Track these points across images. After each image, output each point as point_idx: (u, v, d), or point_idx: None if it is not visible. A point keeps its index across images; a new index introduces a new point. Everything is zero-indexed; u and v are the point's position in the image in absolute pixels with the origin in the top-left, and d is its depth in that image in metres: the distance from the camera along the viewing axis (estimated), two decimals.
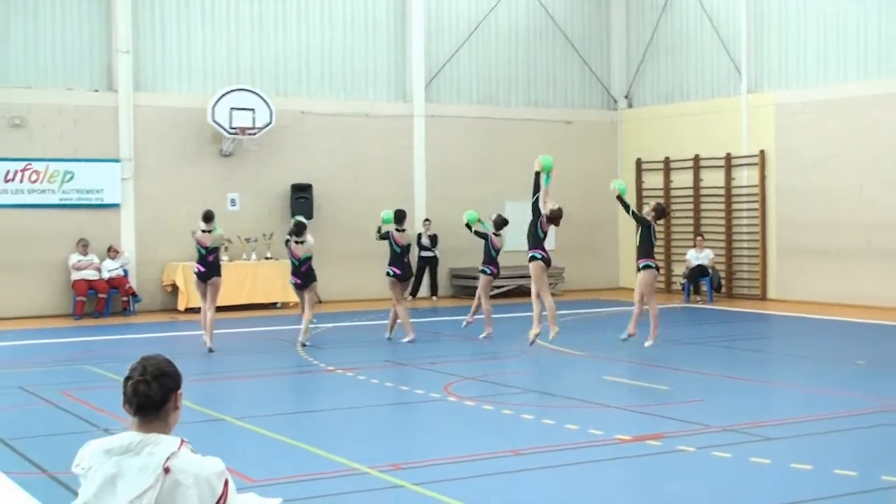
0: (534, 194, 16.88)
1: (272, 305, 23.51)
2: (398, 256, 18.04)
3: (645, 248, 17.00)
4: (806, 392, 13.41)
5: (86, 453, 4.20)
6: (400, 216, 18.27)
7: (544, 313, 16.55)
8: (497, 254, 18.63)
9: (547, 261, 16.62)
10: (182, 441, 4.15)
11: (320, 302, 23.46)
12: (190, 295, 22.27)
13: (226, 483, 4.15)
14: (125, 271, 22.76)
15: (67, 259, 22.32)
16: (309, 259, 17.73)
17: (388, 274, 18.06)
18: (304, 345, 17.52)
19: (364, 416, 12.35)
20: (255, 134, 23.61)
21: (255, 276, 23.33)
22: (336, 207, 25.05)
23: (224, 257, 17.85)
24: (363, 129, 25.62)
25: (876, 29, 23.15)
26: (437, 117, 26.48)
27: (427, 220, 25.67)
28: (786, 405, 12.76)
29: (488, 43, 27.26)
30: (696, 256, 24.98)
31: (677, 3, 27.36)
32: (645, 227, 17.01)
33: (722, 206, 26.15)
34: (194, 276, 17.70)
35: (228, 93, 23.39)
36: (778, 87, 25.03)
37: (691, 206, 26.83)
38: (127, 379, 4.19)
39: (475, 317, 18.83)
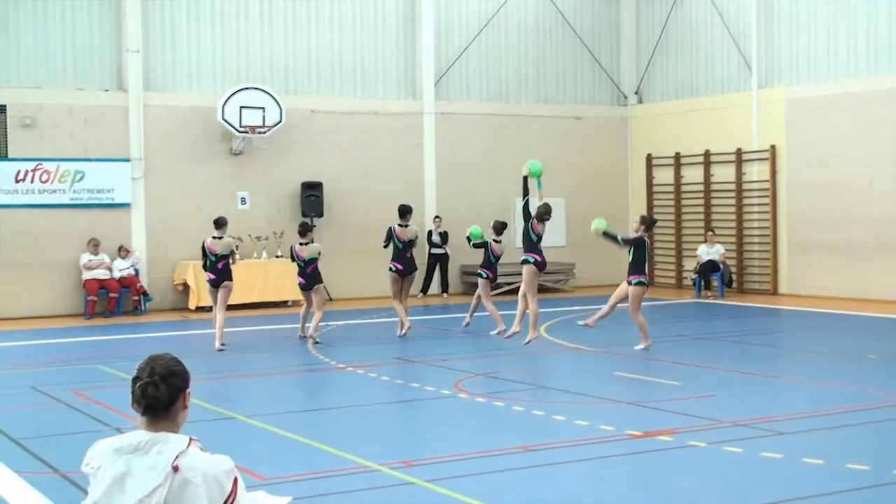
0: (523, 198, 16.73)
1: (283, 304, 23.53)
2: (400, 252, 18.08)
3: (638, 266, 16.51)
4: (817, 386, 13.39)
5: (95, 452, 4.21)
6: (403, 211, 18.30)
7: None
8: (497, 260, 18.51)
9: (540, 265, 16.50)
10: (191, 439, 4.17)
11: (330, 299, 23.51)
12: (201, 294, 22.33)
13: (235, 481, 4.16)
14: (136, 270, 22.80)
15: (78, 259, 22.36)
16: (314, 260, 17.77)
17: (390, 269, 18.13)
18: (316, 342, 17.56)
19: (375, 413, 12.36)
20: (265, 132, 23.63)
21: (266, 275, 23.35)
22: (346, 205, 25.07)
23: (237, 257, 17.80)
24: (373, 127, 25.63)
25: (886, 24, 23.08)
26: (446, 114, 26.47)
27: (437, 217, 25.67)
28: (797, 400, 12.73)
29: (498, 40, 27.24)
30: (707, 252, 24.94)
31: None
32: (640, 247, 16.56)
33: (732, 202, 26.10)
34: (207, 283, 17.82)
35: (238, 91, 23.40)
36: (788, 82, 24.97)
37: (702, 202, 26.79)
38: (135, 379, 4.20)
39: (474, 315, 18.85)
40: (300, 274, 17.90)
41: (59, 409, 12.51)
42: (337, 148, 25.18)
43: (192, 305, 22.76)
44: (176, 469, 4.06)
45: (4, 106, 22.10)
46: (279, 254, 23.92)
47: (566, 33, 28.05)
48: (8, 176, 22.01)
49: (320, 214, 24.52)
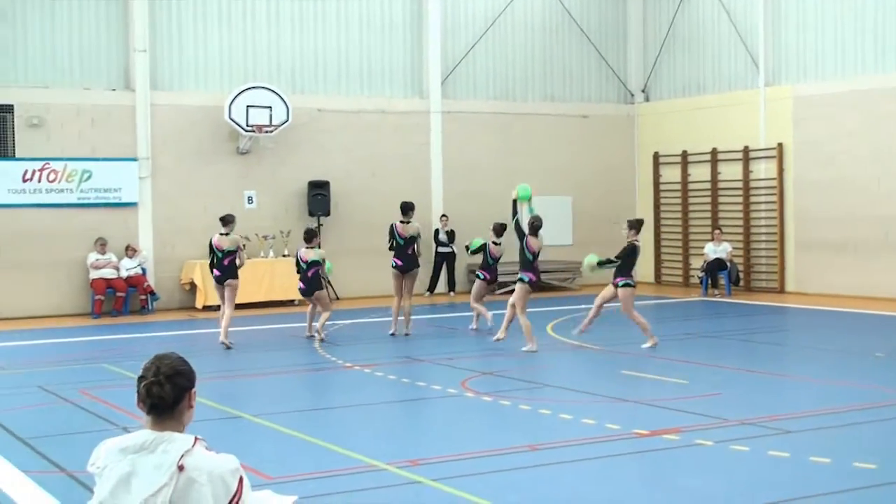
0: (512, 218, 16.89)
1: (290, 303, 23.53)
2: (402, 248, 18.12)
3: (625, 269, 16.56)
4: (824, 385, 13.37)
5: (101, 452, 4.22)
6: (404, 208, 18.34)
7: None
8: (495, 262, 18.53)
9: (534, 284, 16.45)
10: (196, 439, 4.17)
11: (337, 298, 23.54)
12: (208, 293, 22.34)
13: (240, 480, 4.16)
14: (143, 270, 22.83)
15: (86, 258, 22.40)
16: (317, 263, 17.81)
17: (392, 266, 18.20)
18: (322, 340, 17.59)
19: (381, 412, 12.37)
20: (271, 132, 23.65)
21: (273, 274, 23.35)
22: (353, 204, 25.08)
23: (244, 257, 17.82)
24: (380, 126, 25.64)
25: (894, 21, 23.03)
26: (453, 113, 26.47)
27: (444, 215, 25.67)
28: (804, 398, 12.71)
29: (504, 38, 27.23)
30: (714, 250, 24.91)
31: None
32: (630, 253, 16.57)
33: (740, 200, 26.06)
34: (213, 280, 17.87)
35: (245, 91, 23.42)
36: (796, 79, 24.94)
37: (709, 200, 26.75)
38: (141, 378, 4.21)
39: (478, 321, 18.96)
40: (301, 279, 18.02)
41: (66, 408, 12.53)
42: (344, 147, 25.19)
43: (199, 304, 22.78)
44: (181, 468, 4.06)
45: (12, 106, 22.13)
46: (286, 253, 23.93)
47: (573, 31, 28.03)
48: (15, 175, 22.04)
49: (327, 213, 24.54)
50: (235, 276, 17.47)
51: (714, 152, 26.54)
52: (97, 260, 22.28)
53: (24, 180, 22.12)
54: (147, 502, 4.04)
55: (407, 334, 18.29)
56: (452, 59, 26.55)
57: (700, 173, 27.05)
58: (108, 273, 22.30)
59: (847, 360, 15.43)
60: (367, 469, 9.24)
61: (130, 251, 22.69)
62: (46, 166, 22.30)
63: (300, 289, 18.11)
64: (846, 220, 23.69)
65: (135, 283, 22.56)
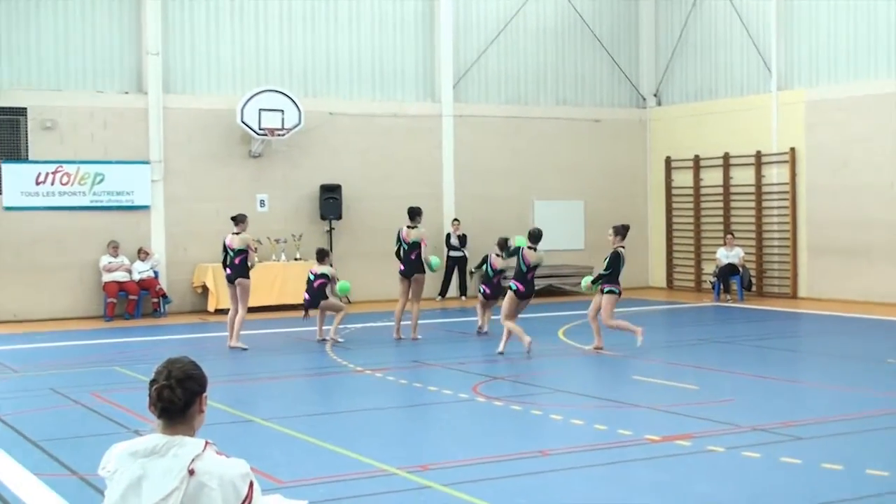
0: (507, 257, 17.65)
1: (301, 306, 23.49)
2: (406, 253, 18.22)
3: (611, 276, 16.57)
4: (837, 391, 13.32)
5: (112, 456, 4.22)
6: (411, 213, 18.41)
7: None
8: (495, 274, 18.53)
9: (522, 293, 16.39)
10: (207, 443, 4.16)
11: (349, 303, 23.53)
12: (220, 296, 22.38)
13: (250, 485, 4.16)
14: (155, 273, 22.87)
15: (98, 261, 22.44)
16: (324, 277, 17.92)
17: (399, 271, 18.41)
18: (336, 342, 17.67)
19: (392, 416, 12.37)
20: (283, 135, 23.67)
21: (285, 277, 23.36)
22: (365, 208, 25.09)
23: (255, 259, 17.90)
24: (392, 130, 25.65)
25: None
26: (465, 117, 26.47)
27: (456, 220, 25.67)
28: (817, 404, 12.67)
29: (516, 42, 27.23)
30: (726, 255, 24.85)
31: (706, 0, 27.24)
32: (616, 261, 16.57)
33: (752, 205, 26.00)
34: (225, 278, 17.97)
35: (257, 94, 23.45)
36: (808, 84, 24.88)
37: (721, 205, 26.70)
38: (152, 382, 4.21)
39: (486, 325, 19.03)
40: (307, 290, 18.28)
41: (77, 411, 12.55)
42: (355, 150, 25.21)
43: (210, 308, 22.81)
44: (192, 472, 4.06)
45: (25, 109, 22.20)
46: (298, 256, 23.95)
47: (585, 35, 28.02)
48: (28, 178, 22.10)
49: (339, 217, 24.56)
50: (246, 276, 17.49)
51: (726, 157, 26.49)
52: (109, 263, 22.32)
53: (37, 183, 22.18)
54: None
55: (415, 339, 18.28)
56: (464, 63, 26.56)
57: (712, 178, 27.00)
58: (121, 276, 22.34)
59: (860, 367, 15.37)
60: (377, 473, 9.24)
61: (143, 254, 22.73)
62: (59, 169, 22.36)
63: (305, 300, 18.36)
64: (859, 225, 23.62)
65: (147, 286, 22.59)
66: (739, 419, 11.23)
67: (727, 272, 24.79)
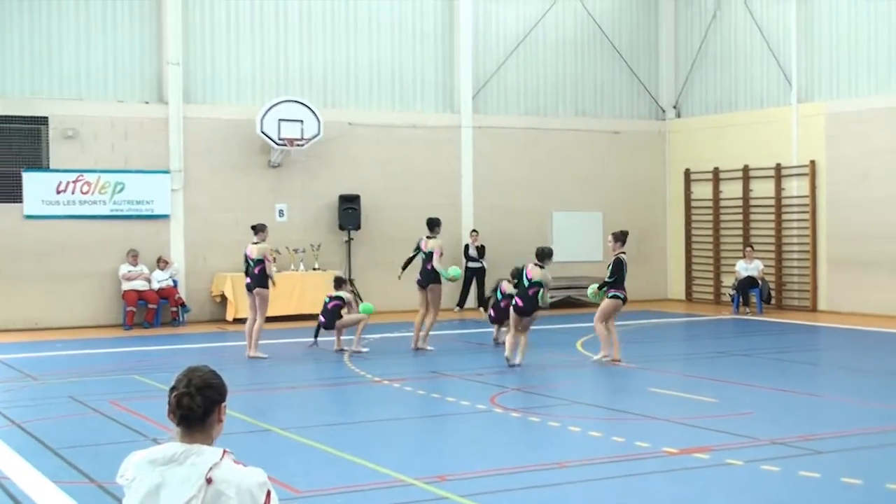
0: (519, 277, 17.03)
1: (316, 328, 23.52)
2: (423, 262, 18.36)
3: (619, 283, 16.63)
4: (857, 405, 13.24)
5: (130, 464, 4.23)
6: (430, 223, 18.52)
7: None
8: (503, 298, 18.36)
9: (520, 309, 16.30)
10: (224, 451, 4.17)
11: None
12: (238, 305, 22.44)
13: (268, 494, 4.16)
14: (174, 282, 22.93)
15: (118, 270, 22.52)
16: (339, 299, 18.05)
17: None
18: (355, 352, 17.82)
19: (410, 427, 12.36)
20: (303, 145, 23.73)
21: (304, 287, 23.40)
22: (383, 218, 25.12)
23: (273, 269, 17.97)
24: (411, 141, 25.68)
25: None
26: (484, 128, 26.49)
27: (474, 231, 25.66)
28: (836, 418, 12.60)
29: (536, 53, 27.24)
30: (746, 267, 24.77)
31: (726, 11, 27.20)
32: (619, 268, 16.60)
33: (772, 217, 25.92)
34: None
35: (277, 104, 23.52)
36: (828, 96, 24.81)
37: (740, 217, 26.62)
38: (172, 389, 4.22)
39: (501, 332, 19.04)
40: (322, 312, 18.44)
41: (96, 419, 12.58)
42: (374, 161, 25.24)
43: (229, 317, 22.85)
44: (209, 481, 4.06)
45: (46, 118, 22.32)
46: (316, 266, 23.99)
47: (604, 47, 28.01)
48: (49, 187, 22.21)
49: (357, 227, 24.59)
50: (264, 286, 17.57)
51: (746, 169, 26.42)
52: (129, 272, 22.39)
53: (58, 192, 22.29)
54: None
55: (425, 349, 18.27)
56: (484, 75, 26.58)
57: (732, 190, 26.93)
58: (140, 285, 22.41)
59: (880, 381, 15.30)
60: (394, 484, 9.23)
61: (162, 263, 22.80)
62: (80, 178, 22.46)
63: (321, 322, 18.47)
64: (880, 238, 23.51)
65: (166, 295, 22.66)
66: (758, 432, 11.18)
67: (746, 285, 24.70)
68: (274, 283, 17.91)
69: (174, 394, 4.20)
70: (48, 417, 12.68)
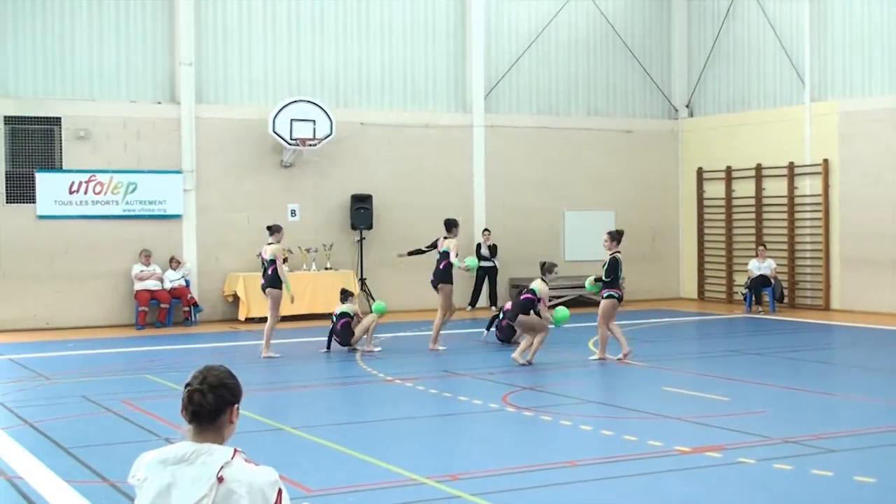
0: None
1: (332, 315, 23.54)
2: (437, 262, 18.44)
3: (614, 283, 16.80)
4: (870, 403, 13.19)
5: (141, 464, 4.23)
6: (447, 224, 18.60)
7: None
8: (503, 317, 18.96)
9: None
10: (235, 450, 4.17)
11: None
12: (251, 305, 22.50)
13: (279, 493, 4.16)
14: (187, 281, 22.97)
15: (130, 269, 22.57)
16: (346, 316, 18.04)
17: None
18: (368, 352, 17.90)
19: (422, 426, 12.36)
20: (315, 145, 23.74)
21: (316, 287, 23.41)
22: (395, 218, 25.12)
23: (285, 269, 17.99)
24: (423, 140, 25.68)
25: None
26: (496, 127, 26.47)
27: (486, 230, 25.65)
28: (849, 417, 12.57)
29: (548, 53, 27.21)
30: (758, 266, 24.71)
31: (739, 11, 27.14)
32: (615, 267, 16.74)
33: (784, 216, 25.85)
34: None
35: (289, 104, 23.54)
36: (842, 95, 24.73)
37: (753, 216, 26.57)
38: (186, 385, 4.24)
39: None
40: (333, 331, 18.48)
41: (109, 418, 12.61)
42: (386, 160, 25.25)
43: (241, 317, 22.88)
44: (221, 480, 4.07)
45: (59, 118, 22.37)
46: (328, 266, 24.02)
47: (617, 46, 27.97)
48: (62, 187, 22.27)
49: (370, 227, 24.61)
50: (276, 286, 17.61)
51: (758, 168, 26.36)
52: (141, 271, 22.44)
53: (71, 192, 22.34)
54: None
55: (433, 349, 18.27)
56: (496, 74, 26.57)
57: (744, 189, 26.87)
58: (153, 285, 22.46)
59: (893, 379, 15.27)
60: (406, 483, 9.24)
61: (174, 263, 22.84)
62: (93, 178, 22.51)
63: (336, 340, 18.47)
64: (893, 237, 23.43)
65: (178, 295, 22.69)
66: (771, 431, 11.16)
67: (759, 284, 24.65)
68: (288, 288, 17.77)
69: (187, 390, 4.22)
70: (61, 417, 12.72)
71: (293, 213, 24.26)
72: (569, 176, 27.19)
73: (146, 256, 22.55)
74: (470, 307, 25.47)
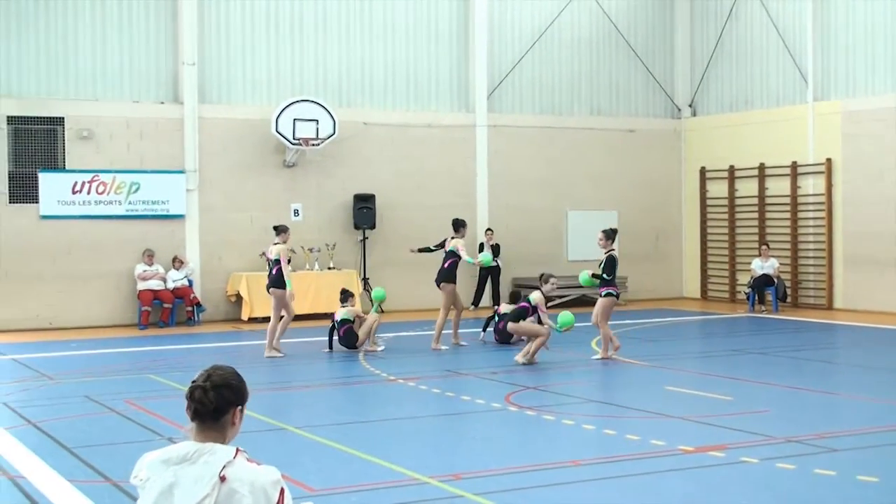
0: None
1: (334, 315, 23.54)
2: (442, 261, 18.57)
3: (613, 279, 16.92)
4: (873, 403, 13.18)
5: (144, 464, 4.24)
6: (455, 224, 18.70)
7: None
8: (499, 319, 19.05)
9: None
10: (238, 450, 4.18)
11: (382, 312, 23.52)
12: (253, 305, 22.52)
13: (282, 492, 4.16)
14: (190, 281, 22.98)
15: (133, 269, 22.58)
16: (348, 322, 18.02)
17: None
18: (370, 352, 17.90)
19: (424, 425, 12.36)
20: (318, 145, 23.75)
21: (319, 286, 23.41)
22: (398, 217, 25.12)
23: (288, 269, 17.98)
24: (426, 140, 25.68)
25: None
26: (499, 127, 26.46)
27: (489, 229, 25.64)
28: (852, 416, 12.56)
29: (551, 52, 27.20)
30: (761, 266, 24.69)
31: (742, 10, 27.12)
32: (614, 265, 16.86)
33: (787, 215, 25.84)
34: None
35: (292, 104, 23.54)
36: (845, 94, 24.71)
37: (756, 215, 26.56)
38: (192, 382, 4.25)
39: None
40: (336, 335, 18.45)
41: (111, 418, 12.62)
42: (389, 160, 25.26)
43: (244, 316, 22.89)
44: (223, 479, 4.07)
45: (62, 118, 22.39)
46: (331, 265, 24.03)
47: (620, 45, 27.96)
48: (65, 187, 22.29)
49: (372, 227, 24.61)
50: (279, 286, 17.61)
51: (761, 167, 26.35)
52: (144, 271, 22.45)
53: (74, 192, 22.36)
54: None
55: (435, 349, 18.28)
56: (499, 74, 26.57)
57: (747, 188, 26.86)
58: (155, 284, 22.46)
59: None
60: (409, 482, 9.24)
61: (177, 263, 22.85)
62: (96, 178, 22.53)
63: (342, 344, 18.39)
64: None
65: (181, 295, 22.70)
66: (774, 430, 11.15)
67: (762, 283, 24.63)
68: (290, 290, 17.76)
69: (190, 386, 4.23)
70: (64, 417, 12.72)
71: (296, 212, 24.26)
72: (572, 175, 27.18)
73: (149, 256, 22.56)
74: (472, 306, 25.46)
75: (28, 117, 22.12)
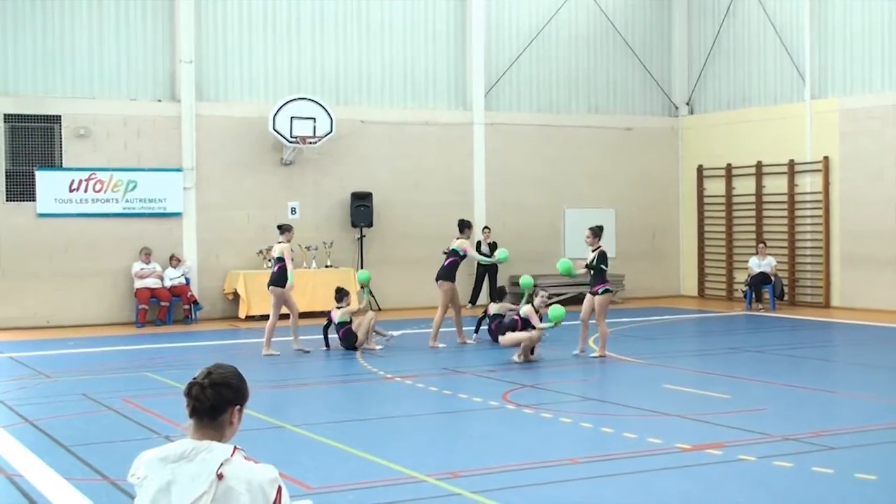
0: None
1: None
2: (442, 260, 18.67)
3: (601, 276, 16.97)
4: (870, 401, 13.20)
5: (141, 463, 4.24)
6: (460, 225, 18.85)
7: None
8: (491, 319, 18.93)
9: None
10: (235, 448, 4.18)
11: (379, 309, 23.54)
12: (251, 303, 22.51)
13: (279, 490, 4.17)
14: (187, 279, 22.97)
15: (130, 267, 22.56)
16: (345, 324, 18.01)
17: None
18: (370, 349, 17.90)
19: (422, 424, 12.36)
20: (315, 143, 23.73)
21: (316, 284, 23.40)
22: (395, 215, 25.12)
23: (292, 265, 17.98)
24: (423, 138, 25.68)
25: None
26: (496, 125, 26.46)
27: (486, 227, 25.64)
28: (849, 414, 12.56)
29: (548, 50, 27.20)
30: (759, 264, 24.70)
31: (740, 8, 27.12)
32: (603, 256, 16.92)
33: (785, 214, 25.85)
34: None
35: (289, 102, 23.54)
36: (842, 92, 24.72)
37: (753, 214, 26.56)
38: (192, 378, 4.25)
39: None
40: (326, 327, 18.45)
41: (109, 416, 12.61)
42: (387, 158, 25.25)
43: (242, 314, 22.88)
44: (220, 477, 4.07)
45: (59, 116, 22.37)
46: (329, 263, 24.02)
47: (617, 43, 27.96)
48: (62, 185, 22.27)
49: (370, 225, 24.60)
50: (278, 284, 17.60)
51: (759, 166, 26.35)
52: (141, 269, 22.43)
53: (71, 190, 22.34)
54: None
55: (433, 347, 18.29)
56: (496, 72, 26.56)
57: (745, 187, 26.87)
58: (153, 283, 22.45)
59: (893, 377, 15.26)
60: (407, 481, 9.23)
61: (175, 261, 22.84)
62: (93, 176, 22.51)
63: (343, 345, 18.34)
64: (893, 235, 23.42)
65: (178, 293, 22.69)
66: (771, 428, 11.16)
67: (759, 281, 24.63)
68: (291, 283, 17.77)
69: (189, 382, 4.23)
70: (61, 415, 12.71)
71: (293, 210, 24.25)
72: (569, 173, 27.19)
73: (146, 254, 22.55)
74: (470, 304, 25.45)
75: (25, 115, 22.10)
